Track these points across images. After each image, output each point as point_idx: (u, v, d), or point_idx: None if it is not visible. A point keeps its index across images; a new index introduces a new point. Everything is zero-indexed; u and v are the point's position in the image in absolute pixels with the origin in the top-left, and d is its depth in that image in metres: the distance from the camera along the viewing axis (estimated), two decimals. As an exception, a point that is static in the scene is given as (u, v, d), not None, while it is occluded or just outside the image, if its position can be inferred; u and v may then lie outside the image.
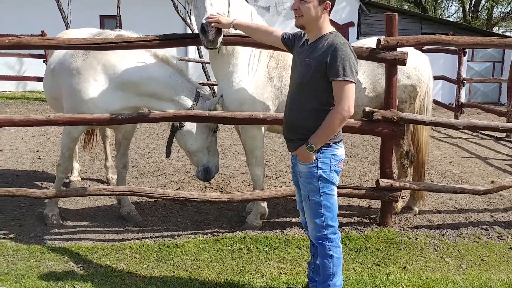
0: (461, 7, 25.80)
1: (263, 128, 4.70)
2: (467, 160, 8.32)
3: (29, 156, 7.74)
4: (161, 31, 13.03)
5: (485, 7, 24.90)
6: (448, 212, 5.50)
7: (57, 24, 14.92)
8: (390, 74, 4.47)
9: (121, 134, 5.08)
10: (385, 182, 4.66)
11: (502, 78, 14.40)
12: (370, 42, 4.68)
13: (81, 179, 6.50)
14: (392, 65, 4.44)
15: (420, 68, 4.77)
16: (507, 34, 24.75)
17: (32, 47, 4.11)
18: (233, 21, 3.87)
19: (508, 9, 24.73)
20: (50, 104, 5.51)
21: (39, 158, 7.62)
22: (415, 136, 5.10)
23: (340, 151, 3.14)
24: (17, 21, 15.95)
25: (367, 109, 4.44)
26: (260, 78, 4.58)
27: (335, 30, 3.11)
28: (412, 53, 4.64)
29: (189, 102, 4.53)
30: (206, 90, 4.70)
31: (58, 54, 4.83)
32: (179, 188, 6.18)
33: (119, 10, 15.31)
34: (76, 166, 6.44)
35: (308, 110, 3.06)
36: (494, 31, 23.28)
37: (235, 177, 6.84)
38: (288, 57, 4.61)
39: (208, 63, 14.93)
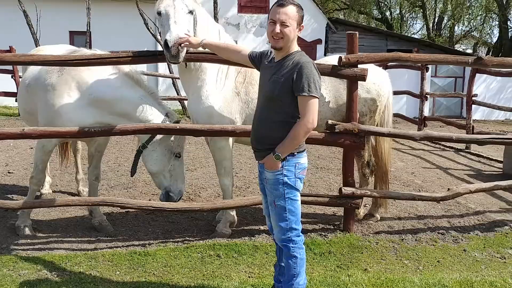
0: (425, 25, 26.68)
1: (231, 139, 4.91)
2: (428, 171, 8.71)
3: (-1, 170, 7.76)
4: (132, 47, 13.25)
5: (447, 26, 25.84)
6: (408, 218, 5.80)
7: (26, 39, 14.93)
8: (351, 89, 4.76)
9: (94, 147, 5.21)
10: (347, 190, 4.92)
11: (462, 93, 15.03)
12: (333, 59, 4.96)
13: (52, 192, 6.57)
14: (353, 81, 4.73)
15: (380, 84, 5.07)
16: (468, 51, 25.71)
17: (7, 63, 4.25)
18: (202, 41, 4.09)
19: (468, 27, 25.68)
20: (24, 119, 5.60)
21: (9, 172, 7.65)
22: (378, 147, 5.39)
23: (303, 159, 3.38)
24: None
25: (330, 121, 4.70)
26: (228, 92, 4.80)
27: (300, 49, 3.36)
28: (372, 69, 4.94)
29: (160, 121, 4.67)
30: (174, 116, 4.82)
31: (33, 70, 4.95)
32: (150, 200, 6.30)
33: (89, 26, 15.38)
34: (47, 179, 6.51)
35: (275, 123, 3.29)
36: (456, 48, 24.19)
37: (205, 188, 7.02)
38: (255, 73, 4.84)
39: (178, 78, 15.16)
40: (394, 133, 4.92)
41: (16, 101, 6.68)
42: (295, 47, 3.34)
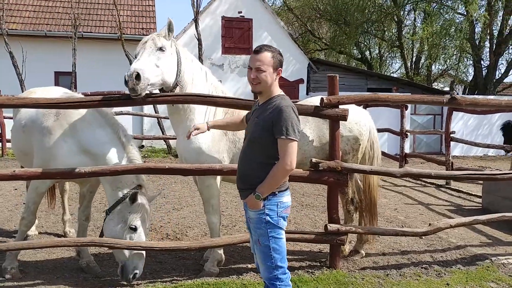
0: (403, 64, 27.45)
1: (218, 178, 5.04)
2: (410, 207, 8.89)
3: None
4: (118, 88, 13.33)
5: (424, 65, 26.63)
6: (392, 254, 5.91)
7: (11, 80, 15.02)
8: (333, 128, 4.95)
9: (86, 187, 5.28)
10: (333, 226, 5.04)
11: (441, 130, 15.43)
12: (316, 100, 5.15)
13: (38, 233, 6.56)
14: (335, 121, 4.92)
15: (361, 123, 5.27)
16: (445, 89, 26.46)
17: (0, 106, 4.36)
18: (208, 124, 4.22)
19: (445, 66, 26.48)
20: (19, 159, 5.65)
21: (-6, 213, 7.62)
22: (366, 180, 5.57)
23: (286, 198, 3.48)
24: (-31, 78, 15.91)
25: (313, 160, 4.86)
26: (216, 132, 4.95)
27: (283, 93, 3.53)
28: (353, 109, 5.16)
29: (126, 190, 4.64)
30: (146, 188, 4.84)
31: (28, 111, 5.03)
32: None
33: (75, 66, 15.55)
34: (35, 221, 6.49)
35: (256, 163, 3.43)
36: (433, 87, 24.89)
37: (192, 227, 7.06)
38: (241, 114, 5.01)
39: (163, 117, 15.34)
40: (376, 170, 5.08)
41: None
42: (277, 91, 3.49)
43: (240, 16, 19.33)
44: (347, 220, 5.57)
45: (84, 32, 16.84)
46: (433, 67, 24.04)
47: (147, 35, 15.07)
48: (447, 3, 21.56)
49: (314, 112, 4.84)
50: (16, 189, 9.47)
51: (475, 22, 19.41)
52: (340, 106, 4.91)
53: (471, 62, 24.52)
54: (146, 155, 15.42)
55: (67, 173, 4.36)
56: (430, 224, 5.57)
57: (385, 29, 27.04)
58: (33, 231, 6.41)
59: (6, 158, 14.42)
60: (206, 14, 18.80)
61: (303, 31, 29.94)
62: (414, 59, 27.05)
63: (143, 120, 18.10)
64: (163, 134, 16.04)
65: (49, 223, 7.22)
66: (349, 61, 31.29)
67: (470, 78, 25.79)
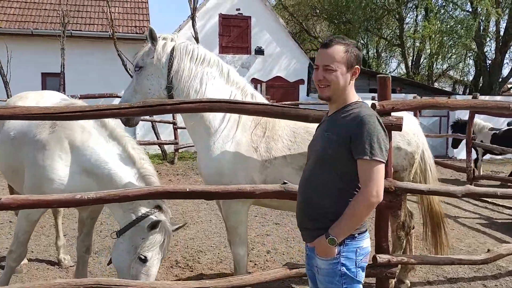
0: (403, 64, 26.82)
1: (248, 201, 4.19)
2: (439, 221, 8.08)
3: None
4: (109, 90, 12.38)
5: (424, 64, 26.02)
6: (438, 282, 5.15)
7: (-5, 82, 14.04)
8: (386, 140, 4.12)
9: (87, 212, 4.43)
10: (383, 258, 4.20)
11: (448, 133, 14.73)
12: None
13: (28, 260, 5.64)
14: (388, 131, 4.09)
15: (418, 134, 4.47)
16: (446, 89, 25.84)
17: (-19, 117, 3.46)
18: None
19: (445, 66, 25.90)
20: (7, 176, 4.76)
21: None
22: (424, 200, 4.86)
23: (366, 242, 2.66)
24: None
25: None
26: (243, 146, 4.10)
27: (361, 100, 2.71)
28: (407, 117, 4.34)
29: (140, 212, 3.89)
30: (167, 210, 4.05)
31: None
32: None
33: (63, 67, 14.57)
34: None
35: (329, 192, 2.60)
36: (435, 86, 24.24)
37: (204, 251, 6.20)
38: (277, 126, 4.18)
39: (157, 121, 14.44)
40: (434, 190, 4.27)
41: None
42: (354, 96, 2.67)
43: (238, 13, 18.45)
44: (395, 247, 4.74)
45: (73, 30, 15.82)
46: (434, 66, 23.36)
47: (141, 33, 14.19)
48: (453, 0, 20.90)
49: (365, 121, 4.00)
50: None
51: (481, 20, 18.74)
52: (393, 114, 4.10)
53: (472, 61, 23.94)
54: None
55: (67, 200, 3.47)
56: (488, 250, 4.79)
57: (386, 27, 26.34)
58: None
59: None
60: (203, 11, 17.91)
61: (298, 30, 29.15)
62: (414, 58, 26.37)
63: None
64: (158, 139, 15.14)
65: (40, 246, 6.30)
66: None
67: (471, 77, 25.22)
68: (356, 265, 2.58)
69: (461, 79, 26.10)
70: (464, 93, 24.81)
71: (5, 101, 8.45)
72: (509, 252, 4.82)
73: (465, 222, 8.02)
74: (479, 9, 19.71)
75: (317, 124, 4.15)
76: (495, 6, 18.68)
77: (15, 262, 4.20)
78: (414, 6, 24.11)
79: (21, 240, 4.14)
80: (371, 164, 2.45)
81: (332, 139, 2.58)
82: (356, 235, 2.59)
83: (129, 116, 3.64)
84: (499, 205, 9.31)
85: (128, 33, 16.44)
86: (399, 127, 4.06)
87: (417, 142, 4.43)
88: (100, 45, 16.24)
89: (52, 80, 15.86)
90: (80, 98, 10.23)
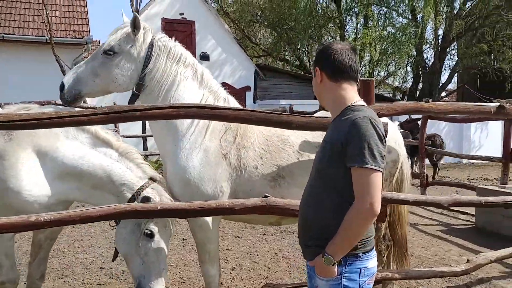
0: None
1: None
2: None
3: None
4: (48, 97, 11.55)
5: (364, 71, 26.48)
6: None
7: None
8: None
9: (44, 233, 3.87)
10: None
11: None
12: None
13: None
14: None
15: (399, 141, 4.23)
16: (386, 95, 26.41)
17: None
18: None
19: (382, 73, 26.48)
20: None
21: None
22: (396, 210, 4.55)
23: (371, 262, 2.39)
24: None
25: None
26: (211, 153, 3.71)
27: (361, 103, 2.41)
28: (389, 124, 4.10)
29: (135, 188, 3.56)
30: (162, 180, 3.74)
31: None
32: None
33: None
34: None
35: (326, 205, 2.34)
36: (376, 93, 24.68)
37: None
38: (249, 132, 3.83)
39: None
40: (421, 200, 4.08)
41: None
42: (348, 98, 2.40)
43: (182, 18, 17.94)
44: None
45: (5, 33, 14.74)
46: (375, 73, 23.79)
47: (80, 38, 13.40)
48: (394, 8, 21.33)
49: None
50: None
51: (421, 27, 19.24)
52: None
53: (411, 68, 24.62)
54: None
55: (20, 224, 2.94)
56: (468, 261, 4.67)
57: (327, 34, 26.61)
58: None
59: None
60: (145, 16, 17.26)
61: (240, 37, 28.97)
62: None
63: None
64: (144, 150, 14.28)
65: None
66: (284, 66, 30.56)
67: (409, 85, 25.93)
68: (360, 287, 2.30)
69: (399, 85, 26.77)
70: (402, 99, 25.42)
71: None
72: (487, 262, 4.73)
73: (426, 229, 7.98)
74: (419, 17, 20.27)
75: (298, 133, 3.89)
76: (435, 14, 19.29)
77: None
78: (354, 14, 24.51)
79: (7, 264, 3.53)
80: (363, 172, 2.19)
81: (327, 148, 2.34)
82: (360, 254, 2.32)
83: (92, 124, 3.14)
84: (454, 210, 9.36)
85: (67, 37, 15.53)
86: (385, 134, 3.81)
87: (398, 151, 4.20)
88: (36, 49, 15.22)
89: (-18, 87, 14.69)
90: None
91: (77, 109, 3.24)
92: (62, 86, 3.61)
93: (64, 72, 13.81)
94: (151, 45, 3.70)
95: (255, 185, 3.75)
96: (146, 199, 3.39)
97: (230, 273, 5.64)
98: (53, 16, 15.75)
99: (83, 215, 3.13)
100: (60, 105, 12.00)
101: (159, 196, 3.52)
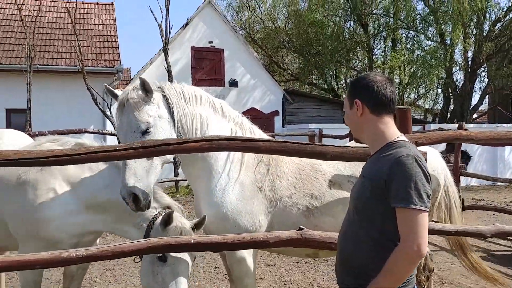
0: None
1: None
2: (434, 254, 7.69)
3: None
4: (78, 125, 11.78)
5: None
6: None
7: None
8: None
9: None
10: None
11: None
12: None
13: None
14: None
15: (439, 170, 4.10)
16: (416, 117, 26.04)
17: None
18: None
19: (413, 95, 26.17)
20: None
21: None
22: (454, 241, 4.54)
23: None
24: None
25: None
26: (247, 186, 3.67)
27: (403, 139, 2.33)
28: (429, 152, 3.97)
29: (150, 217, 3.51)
30: (178, 209, 3.65)
31: None
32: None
33: (30, 103, 13.85)
34: None
35: (365, 243, 2.25)
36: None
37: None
38: (281, 162, 3.78)
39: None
40: (462, 230, 3.87)
41: None
42: (392, 134, 2.32)
43: (211, 46, 18.18)
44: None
45: (40, 64, 15.17)
46: (405, 95, 23.54)
47: (111, 67, 13.59)
48: (422, 31, 21.18)
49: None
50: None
51: (450, 50, 18.98)
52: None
53: (441, 90, 24.25)
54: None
55: (52, 260, 2.92)
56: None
57: (355, 58, 26.55)
58: None
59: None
60: (175, 44, 17.55)
61: (268, 63, 29.15)
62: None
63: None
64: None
65: None
66: (312, 90, 30.55)
67: (439, 107, 25.49)
68: None
69: (430, 108, 26.35)
70: (433, 122, 25.02)
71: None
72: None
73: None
74: (447, 40, 20.04)
75: (329, 162, 3.80)
76: (464, 37, 19.06)
77: None
78: (382, 38, 24.42)
79: None
80: (410, 213, 2.09)
81: (366, 185, 2.25)
82: None
83: (124, 159, 3.11)
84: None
85: (98, 66, 15.90)
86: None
87: (437, 179, 4.06)
88: (68, 79, 15.61)
89: (17, 116, 15.09)
90: (48, 134, 9.60)
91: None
92: (136, 198, 3.22)
93: (95, 100, 14.09)
94: (165, 99, 3.55)
95: (289, 216, 3.70)
96: (165, 220, 3.34)
97: (264, 304, 5.51)
98: (84, 46, 16.15)
99: (116, 250, 3.09)
100: (92, 132, 12.21)
101: (179, 219, 3.45)
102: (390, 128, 2.33)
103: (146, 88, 3.40)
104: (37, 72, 14.67)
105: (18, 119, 14.75)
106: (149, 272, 3.39)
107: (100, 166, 3.60)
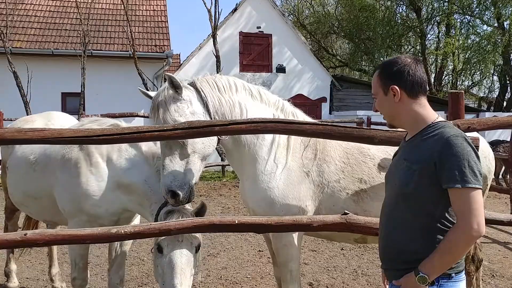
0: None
1: (301, 233, 3.72)
2: (486, 246, 7.44)
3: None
4: (129, 109, 12.06)
5: (447, 80, 25.46)
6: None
7: (14, 102, 13.80)
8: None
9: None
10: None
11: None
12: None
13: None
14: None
15: (490, 157, 3.97)
16: (470, 105, 25.16)
17: (8, 142, 3.05)
18: None
19: (467, 82, 25.28)
20: (23, 204, 4.41)
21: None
22: None
23: (462, 284, 2.24)
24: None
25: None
26: (294, 172, 3.65)
27: (442, 119, 2.29)
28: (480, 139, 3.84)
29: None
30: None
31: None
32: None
33: (84, 87, 14.32)
34: (13, 267, 5.32)
35: (415, 230, 2.21)
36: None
37: (239, 283, 5.70)
38: (329, 147, 3.74)
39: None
40: (515, 220, 3.74)
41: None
42: (430, 116, 2.28)
43: (259, 31, 18.16)
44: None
45: (93, 50, 15.62)
46: (458, 82, 22.78)
47: (161, 52, 13.77)
48: (478, 16, 20.39)
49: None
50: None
51: (507, 34, 18.15)
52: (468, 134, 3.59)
53: (497, 77, 23.32)
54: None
55: (101, 236, 3.03)
56: None
57: (407, 43, 25.89)
58: (15, 282, 5.29)
59: None
60: (223, 30, 17.64)
61: (317, 48, 28.84)
62: (437, 74, 25.78)
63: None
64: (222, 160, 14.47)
65: (22, 278, 5.80)
66: (361, 77, 30.05)
67: (495, 94, 24.55)
68: None
69: (485, 96, 25.43)
70: (488, 110, 24.12)
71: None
72: None
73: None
74: (505, 24, 19.19)
75: (378, 146, 3.74)
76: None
77: (82, 287, 3.99)
78: (436, 23, 23.65)
79: (80, 266, 3.93)
80: (466, 192, 2.06)
81: (413, 169, 2.20)
82: (453, 274, 2.19)
83: (172, 139, 3.16)
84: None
85: (149, 52, 16.19)
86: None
87: (488, 166, 3.93)
88: (120, 64, 16.00)
89: (72, 100, 15.63)
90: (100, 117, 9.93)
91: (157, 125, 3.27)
92: (174, 194, 3.22)
93: (145, 85, 14.38)
94: (198, 93, 3.48)
95: (337, 201, 3.66)
96: (168, 211, 3.37)
97: (308, 288, 5.53)
98: (136, 32, 16.48)
99: (162, 228, 3.16)
100: (142, 116, 12.45)
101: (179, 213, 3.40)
102: (428, 109, 2.29)
103: (174, 85, 3.33)
104: (91, 57, 15.13)
105: (73, 102, 15.29)
106: (154, 265, 3.42)
107: (127, 149, 3.72)
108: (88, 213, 3.66)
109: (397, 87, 2.26)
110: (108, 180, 3.66)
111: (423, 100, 2.28)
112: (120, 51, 16.07)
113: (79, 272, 3.93)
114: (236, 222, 3.30)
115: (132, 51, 14.77)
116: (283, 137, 3.72)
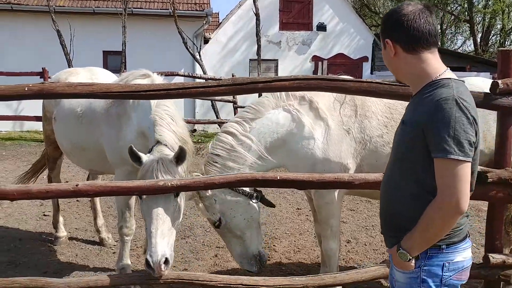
0: (468, 41, 25.34)
1: (342, 191, 3.75)
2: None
3: (32, 212, 6.66)
4: (169, 67, 12.15)
5: (494, 40, 24.48)
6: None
7: (58, 60, 14.09)
8: (505, 125, 3.53)
9: None
10: (497, 258, 3.65)
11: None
12: (475, 81, 3.81)
13: (68, 239, 5.61)
14: (510, 114, 3.51)
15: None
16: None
17: (58, 95, 3.14)
18: None
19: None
20: (72, 154, 4.69)
21: (44, 215, 6.53)
22: None
23: (460, 255, 2.08)
24: (14, 57, 15.05)
25: (479, 168, 3.47)
26: (333, 130, 3.65)
27: (447, 76, 2.02)
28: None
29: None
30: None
31: None
32: (216, 255, 5.22)
33: (125, 45, 14.48)
34: (61, 219, 5.54)
35: (406, 196, 2.08)
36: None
37: (278, 238, 5.83)
38: (369, 102, 3.72)
39: (219, 100, 14.11)
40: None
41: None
42: (434, 71, 2.03)
43: (300, -12, 17.78)
44: (504, 244, 4.15)
45: (134, 8, 15.70)
46: (507, 42, 21.85)
47: (200, 10, 13.73)
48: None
49: (484, 102, 3.43)
50: (67, 182, 8.48)
51: None
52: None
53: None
54: (199, 140, 14.19)
55: (149, 188, 3.13)
56: None
57: (454, 1, 24.86)
58: (63, 232, 5.53)
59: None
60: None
61: (359, 6, 28.05)
62: (483, 34, 24.77)
63: (195, 103, 16.96)
64: (217, 118, 14.82)
65: (72, 229, 6.03)
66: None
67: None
68: (441, 283, 2.04)
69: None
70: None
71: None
72: None
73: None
74: None
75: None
76: None
77: (128, 235, 4.22)
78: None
79: (127, 215, 4.15)
80: (448, 164, 1.88)
81: (406, 132, 2.06)
82: (444, 246, 2.04)
83: (216, 95, 3.21)
84: None
85: (188, 10, 16.16)
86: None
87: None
88: (160, 23, 16.06)
89: (113, 58, 15.86)
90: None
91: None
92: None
93: (185, 44, 14.42)
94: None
95: (381, 156, 3.66)
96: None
97: (346, 246, 5.59)
98: (176, -11, 16.41)
99: (207, 181, 3.25)
100: (182, 75, 12.53)
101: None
102: (431, 65, 2.03)
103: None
104: (131, 15, 15.22)
105: (114, 61, 15.51)
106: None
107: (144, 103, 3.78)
108: (127, 165, 3.79)
109: (390, 41, 2.07)
110: (135, 129, 3.81)
111: (426, 55, 2.03)
112: (160, 9, 16.10)
113: (126, 221, 4.16)
114: (278, 178, 3.35)
115: (172, 9, 14.77)
116: (318, 99, 3.71)
